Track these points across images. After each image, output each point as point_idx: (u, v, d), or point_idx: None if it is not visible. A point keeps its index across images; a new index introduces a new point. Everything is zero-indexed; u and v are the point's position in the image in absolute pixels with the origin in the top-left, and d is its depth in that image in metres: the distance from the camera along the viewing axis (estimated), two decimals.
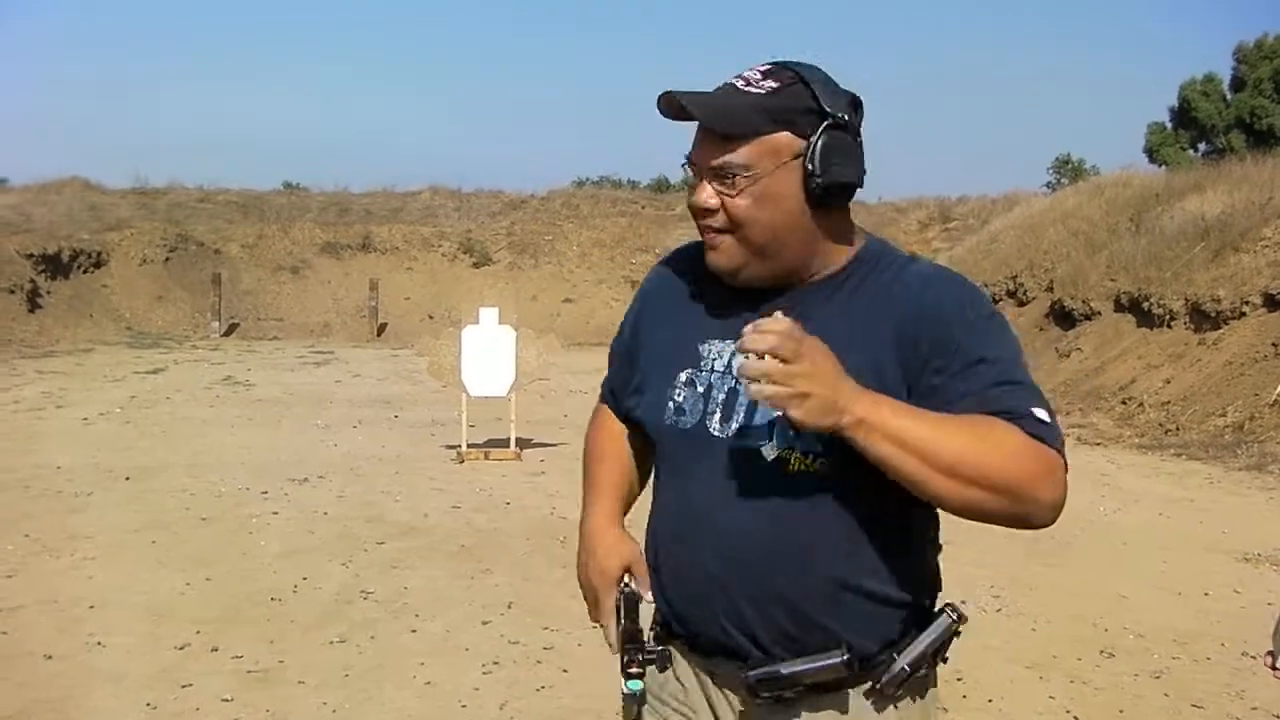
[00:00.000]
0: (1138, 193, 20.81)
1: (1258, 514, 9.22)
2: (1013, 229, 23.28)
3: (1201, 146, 40.13)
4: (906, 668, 1.86)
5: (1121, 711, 4.82)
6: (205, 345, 23.10)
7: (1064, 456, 1.76)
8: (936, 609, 1.94)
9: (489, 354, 11.05)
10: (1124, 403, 14.61)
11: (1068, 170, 41.21)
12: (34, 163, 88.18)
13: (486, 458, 10.87)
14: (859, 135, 1.85)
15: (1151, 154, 39.99)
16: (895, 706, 1.90)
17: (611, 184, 39.69)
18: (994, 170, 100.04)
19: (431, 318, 26.20)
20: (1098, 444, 12.73)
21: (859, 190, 1.88)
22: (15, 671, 5.01)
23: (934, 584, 1.98)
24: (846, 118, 1.82)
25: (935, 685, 1.98)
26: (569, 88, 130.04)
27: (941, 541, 1.97)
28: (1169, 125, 41.44)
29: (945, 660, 1.94)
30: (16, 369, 17.44)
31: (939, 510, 1.83)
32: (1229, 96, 39.64)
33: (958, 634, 1.93)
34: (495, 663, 5.23)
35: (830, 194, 1.82)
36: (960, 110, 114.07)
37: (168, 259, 26.67)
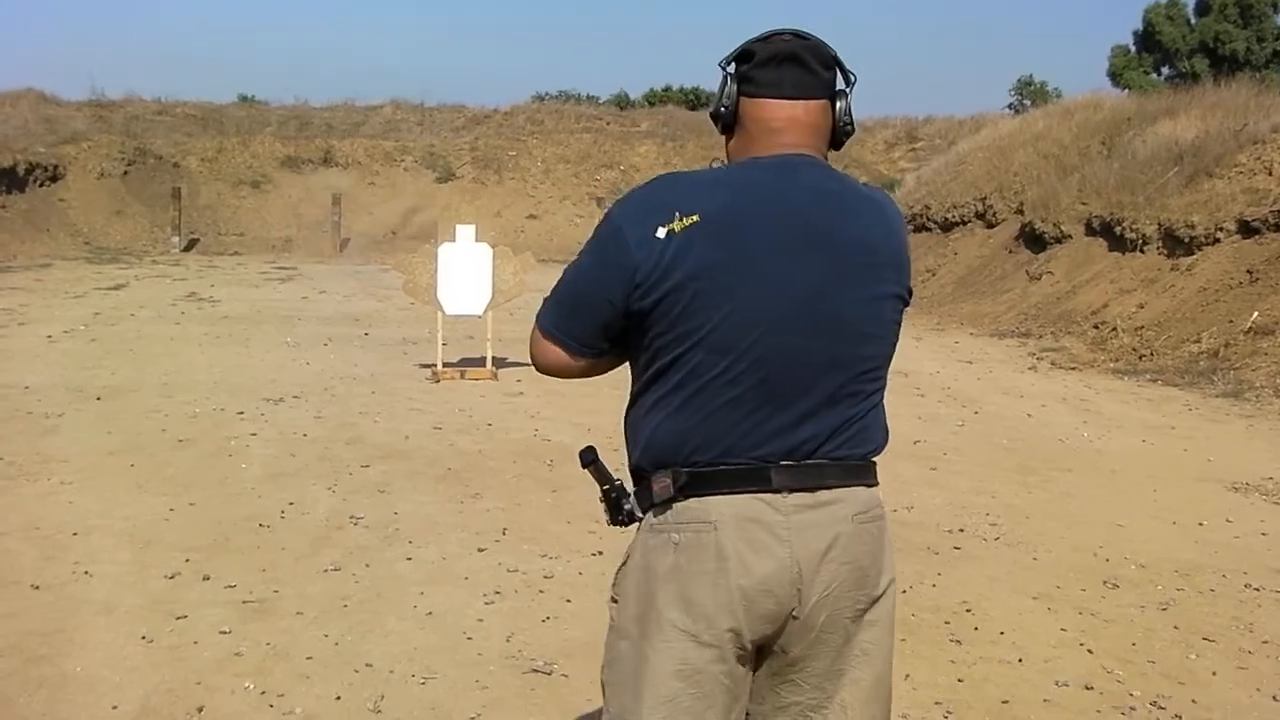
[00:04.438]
0: (1108, 116, 20.77)
1: (1239, 442, 9.21)
2: (981, 150, 23.22)
3: (1165, 70, 40.12)
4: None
5: (1134, 645, 4.76)
6: (166, 260, 22.72)
7: (538, 325, 2.27)
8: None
9: (465, 272, 10.87)
10: (1096, 327, 14.59)
11: (1030, 92, 41.01)
12: None
13: (462, 377, 10.73)
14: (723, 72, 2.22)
15: (1115, 77, 39.94)
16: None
17: (573, 99, 39.22)
18: (955, 91, 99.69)
19: (395, 234, 25.89)
20: (1072, 368, 12.71)
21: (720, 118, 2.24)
22: (3, 602, 4.84)
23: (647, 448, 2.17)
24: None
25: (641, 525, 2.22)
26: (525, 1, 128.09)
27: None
28: (1133, 49, 41.40)
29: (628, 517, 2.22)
30: None
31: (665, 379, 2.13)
32: (1193, 21, 39.61)
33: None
34: (497, 592, 5.11)
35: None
36: (923, 29, 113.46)
37: (126, 172, 26.17)
